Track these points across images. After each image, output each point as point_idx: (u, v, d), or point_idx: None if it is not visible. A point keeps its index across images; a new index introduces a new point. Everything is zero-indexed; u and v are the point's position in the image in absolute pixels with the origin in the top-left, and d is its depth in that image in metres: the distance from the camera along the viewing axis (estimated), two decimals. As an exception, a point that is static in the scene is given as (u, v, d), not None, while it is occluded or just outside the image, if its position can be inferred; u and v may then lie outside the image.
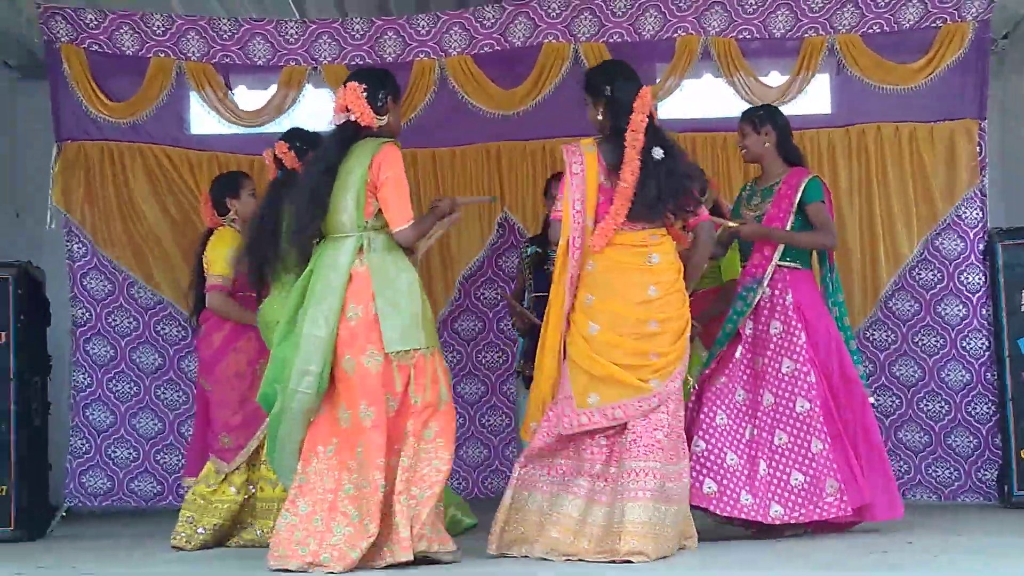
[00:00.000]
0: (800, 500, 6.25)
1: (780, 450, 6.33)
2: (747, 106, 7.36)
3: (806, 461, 6.26)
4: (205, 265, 6.91)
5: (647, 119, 5.77)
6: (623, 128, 5.76)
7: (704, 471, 6.25)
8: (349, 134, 5.78)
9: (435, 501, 5.50)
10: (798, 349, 6.37)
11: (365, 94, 5.78)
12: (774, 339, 6.43)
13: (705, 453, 6.28)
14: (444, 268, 8.68)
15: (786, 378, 6.36)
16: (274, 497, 6.61)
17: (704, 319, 6.76)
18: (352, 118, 5.77)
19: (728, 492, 6.24)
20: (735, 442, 6.34)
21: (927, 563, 5.43)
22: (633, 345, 5.74)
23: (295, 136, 6.72)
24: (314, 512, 5.54)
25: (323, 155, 5.78)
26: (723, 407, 6.39)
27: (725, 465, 6.27)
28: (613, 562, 5.48)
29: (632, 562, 5.44)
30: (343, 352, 5.61)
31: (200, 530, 6.63)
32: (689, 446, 6.09)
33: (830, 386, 6.41)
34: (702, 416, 6.38)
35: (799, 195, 6.46)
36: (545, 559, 5.64)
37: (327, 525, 5.50)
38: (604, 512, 5.66)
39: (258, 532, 6.68)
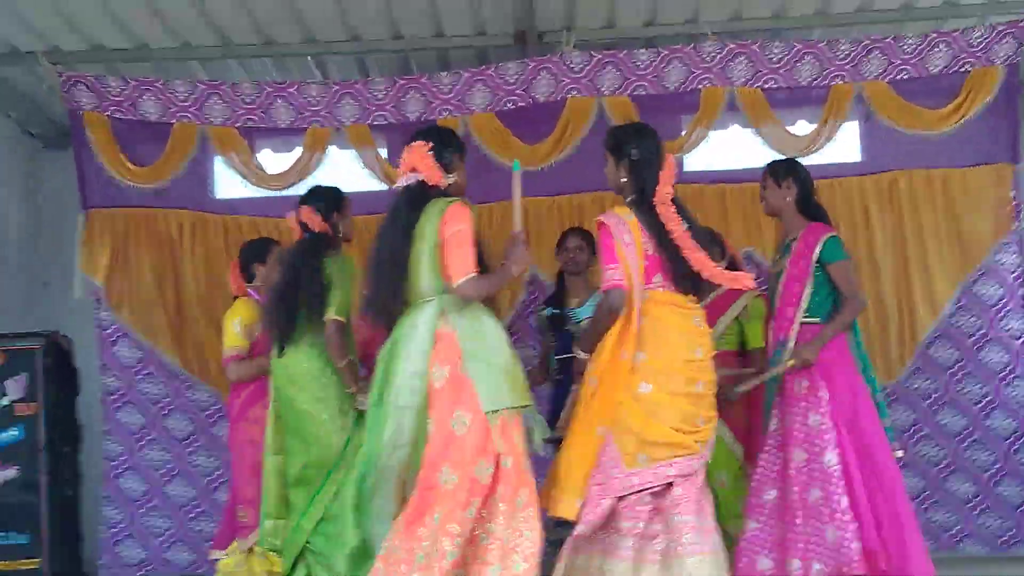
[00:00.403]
0: (833, 555, 6.10)
1: (816, 505, 6.18)
2: (776, 156, 7.25)
3: (836, 515, 6.11)
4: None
5: (672, 190, 5.69)
6: (647, 194, 5.66)
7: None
8: (418, 195, 5.56)
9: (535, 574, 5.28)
10: (823, 403, 6.23)
11: (432, 152, 5.61)
12: (801, 396, 6.29)
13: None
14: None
15: (813, 431, 6.22)
16: None
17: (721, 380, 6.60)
18: (420, 178, 5.60)
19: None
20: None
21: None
22: (685, 408, 5.57)
23: (317, 196, 6.58)
24: None
25: (396, 218, 5.56)
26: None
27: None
28: None
29: None
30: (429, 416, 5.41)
31: None
32: None
33: (852, 440, 6.26)
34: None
35: (816, 254, 6.30)
36: None
37: None
38: (656, 570, 5.48)
39: None
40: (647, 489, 5.54)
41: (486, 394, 5.34)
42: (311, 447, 6.20)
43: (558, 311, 7.41)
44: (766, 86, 7.99)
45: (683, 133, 8.10)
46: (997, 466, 7.97)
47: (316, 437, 6.20)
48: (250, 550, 6.64)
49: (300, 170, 8.29)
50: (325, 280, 6.22)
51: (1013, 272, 7.92)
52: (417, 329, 5.45)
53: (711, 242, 5.89)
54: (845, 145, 8.29)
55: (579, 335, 6.66)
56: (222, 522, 7.11)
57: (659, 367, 5.57)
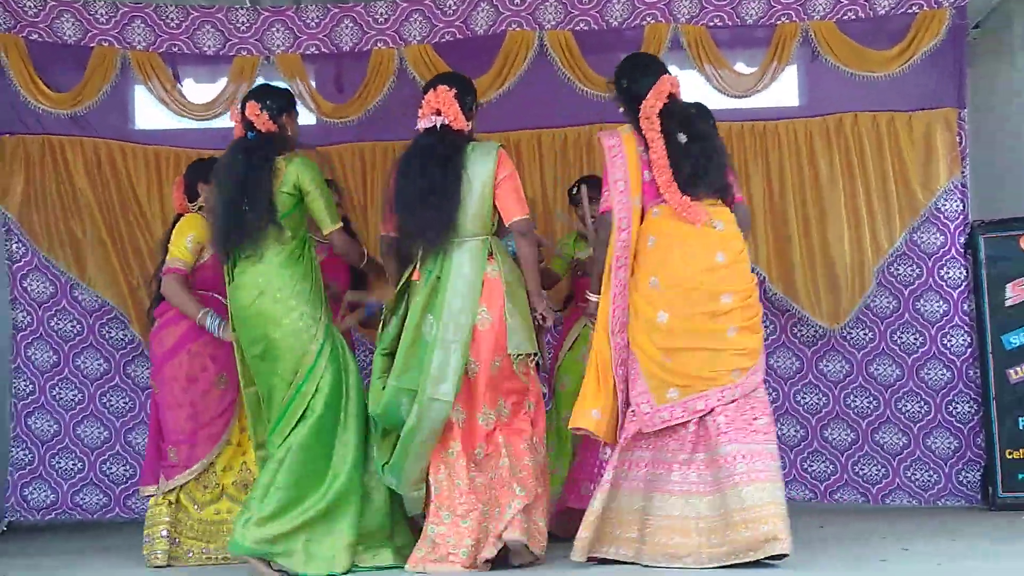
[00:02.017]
0: None
1: None
2: (719, 96, 7.21)
3: None
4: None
5: (662, 105, 5.70)
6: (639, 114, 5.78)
7: None
8: (452, 136, 5.80)
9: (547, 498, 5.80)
10: None
11: (456, 98, 5.84)
12: None
13: None
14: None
15: None
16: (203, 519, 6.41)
17: None
18: (445, 121, 5.80)
19: None
20: None
21: (930, 572, 5.24)
22: (708, 325, 5.54)
23: (266, 94, 6.23)
24: (460, 517, 5.62)
25: (432, 155, 5.77)
26: None
27: None
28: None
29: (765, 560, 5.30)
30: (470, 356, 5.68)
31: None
32: None
33: None
34: None
35: None
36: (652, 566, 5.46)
37: (477, 524, 5.60)
38: (709, 502, 5.43)
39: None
40: (681, 423, 5.55)
41: (518, 337, 5.71)
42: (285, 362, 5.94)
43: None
44: (711, 24, 7.82)
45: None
46: (928, 418, 7.91)
47: (291, 349, 5.92)
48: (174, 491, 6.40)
49: (226, 101, 7.95)
50: (287, 187, 5.96)
51: (955, 220, 7.84)
52: (465, 268, 5.70)
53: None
54: (785, 87, 8.15)
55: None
56: (147, 459, 6.75)
57: (673, 287, 5.57)
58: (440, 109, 5.81)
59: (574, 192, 7.08)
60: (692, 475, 5.50)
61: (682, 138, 5.65)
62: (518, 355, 5.71)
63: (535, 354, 5.80)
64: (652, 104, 5.67)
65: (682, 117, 5.70)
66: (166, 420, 6.47)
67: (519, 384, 5.77)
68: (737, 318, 5.55)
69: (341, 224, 6.09)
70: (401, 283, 5.86)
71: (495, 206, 5.79)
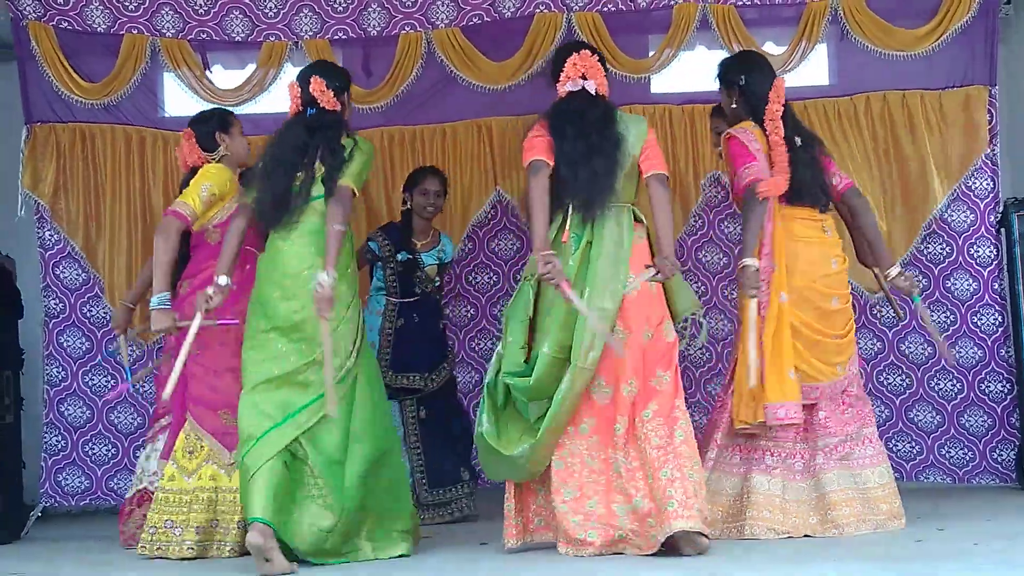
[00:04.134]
0: None
1: None
2: None
3: None
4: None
5: (782, 108, 6.02)
6: (759, 115, 6.03)
7: None
8: (604, 101, 5.80)
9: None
10: None
11: (600, 63, 5.86)
12: None
13: None
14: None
15: None
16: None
17: None
18: (592, 85, 5.78)
19: None
20: None
21: (967, 552, 5.21)
22: (818, 326, 5.92)
23: (332, 72, 6.10)
24: (584, 496, 5.51)
25: (588, 118, 5.70)
26: None
27: None
28: None
29: None
30: (617, 325, 5.58)
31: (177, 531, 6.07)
32: None
33: None
34: None
35: None
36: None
37: (608, 508, 5.49)
38: (805, 487, 5.89)
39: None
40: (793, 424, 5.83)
41: (681, 305, 5.75)
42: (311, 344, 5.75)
43: (411, 256, 7.46)
44: (739, 3, 7.77)
45: (651, 54, 7.91)
46: (961, 396, 7.87)
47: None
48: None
49: (255, 86, 8.00)
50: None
51: (985, 198, 7.77)
52: (616, 234, 5.62)
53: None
54: (815, 66, 8.10)
55: (426, 282, 7.34)
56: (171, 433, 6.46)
57: (790, 282, 5.90)
58: (586, 73, 5.77)
59: None
60: (793, 462, 5.96)
61: (798, 140, 5.99)
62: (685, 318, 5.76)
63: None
64: (777, 108, 5.98)
65: (794, 120, 6.03)
66: (217, 386, 6.10)
67: (670, 356, 5.64)
68: (839, 323, 6.03)
69: (354, 187, 5.82)
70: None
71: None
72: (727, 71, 6.25)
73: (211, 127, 6.45)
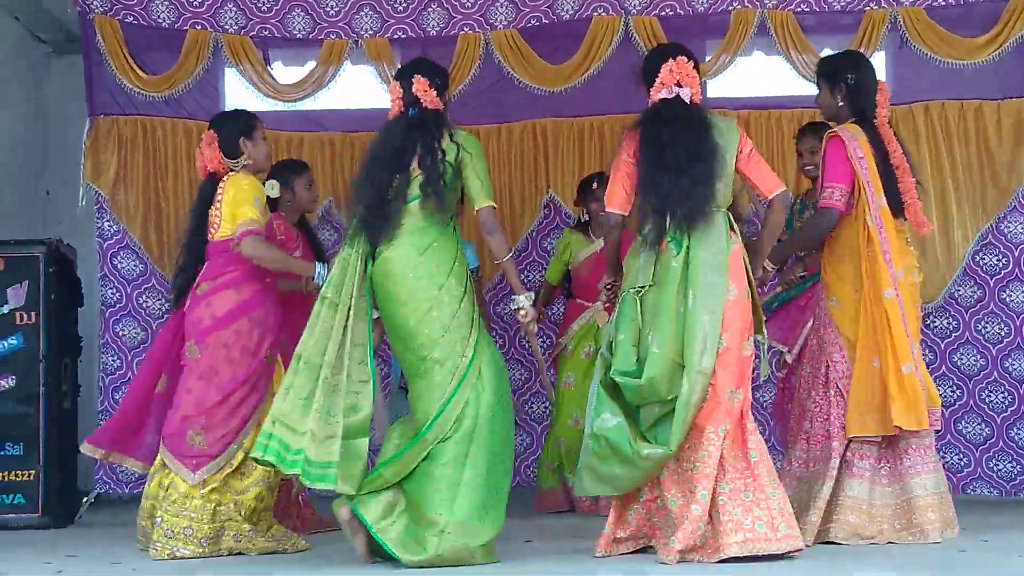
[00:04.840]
0: None
1: None
2: (805, 83, 7.35)
3: None
4: (216, 218, 6.05)
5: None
6: (867, 116, 5.99)
7: None
8: (696, 109, 5.62)
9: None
10: None
11: (696, 70, 5.70)
12: None
13: None
14: (486, 250, 8.35)
15: None
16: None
17: None
18: (688, 93, 5.61)
19: None
20: None
21: (1009, 564, 5.21)
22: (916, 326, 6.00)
23: (434, 71, 5.86)
24: (728, 502, 5.31)
25: (691, 125, 5.55)
26: None
27: None
28: None
29: None
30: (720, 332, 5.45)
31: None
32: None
33: None
34: None
35: None
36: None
37: (748, 512, 5.31)
38: (891, 491, 5.86)
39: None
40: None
41: (756, 321, 5.61)
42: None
43: None
44: (798, 10, 7.75)
45: (707, 58, 7.88)
46: (1012, 408, 7.84)
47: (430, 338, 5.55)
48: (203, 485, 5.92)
49: (315, 83, 8.07)
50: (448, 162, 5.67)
51: (1043, 210, 7.76)
52: (714, 240, 5.50)
53: None
54: (872, 74, 8.06)
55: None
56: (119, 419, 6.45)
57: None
58: (681, 80, 5.60)
59: (594, 187, 7.25)
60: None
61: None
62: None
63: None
64: (885, 113, 6.04)
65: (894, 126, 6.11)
66: (192, 390, 5.97)
67: (748, 367, 5.54)
68: (916, 330, 6.03)
69: (494, 204, 5.74)
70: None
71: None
72: (835, 68, 6.11)
73: (235, 132, 6.21)
